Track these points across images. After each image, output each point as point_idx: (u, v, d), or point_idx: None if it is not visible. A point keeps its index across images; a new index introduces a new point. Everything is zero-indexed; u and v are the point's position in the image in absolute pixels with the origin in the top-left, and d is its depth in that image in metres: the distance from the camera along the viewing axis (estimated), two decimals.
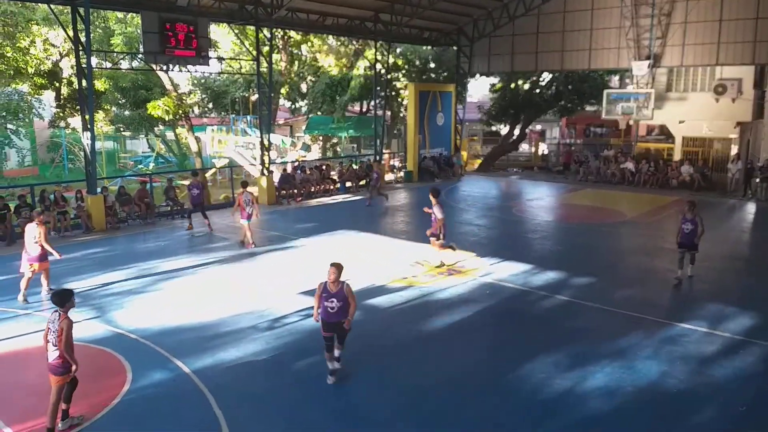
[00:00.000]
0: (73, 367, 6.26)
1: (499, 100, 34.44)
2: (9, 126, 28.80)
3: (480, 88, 46.46)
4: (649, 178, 24.71)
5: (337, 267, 7.31)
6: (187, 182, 29.76)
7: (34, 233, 10.35)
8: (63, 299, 6.31)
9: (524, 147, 39.28)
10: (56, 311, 6.32)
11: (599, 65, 25.44)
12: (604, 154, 27.77)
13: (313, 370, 7.91)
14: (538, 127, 41.65)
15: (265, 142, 21.26)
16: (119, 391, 7.24)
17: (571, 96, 32.40)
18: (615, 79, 35.34)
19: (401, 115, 34.18)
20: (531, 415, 6.89)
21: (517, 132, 35.33)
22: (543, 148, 36.50)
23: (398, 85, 32.44)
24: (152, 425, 6.60)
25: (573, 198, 22.97)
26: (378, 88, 26.62)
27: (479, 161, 34.63)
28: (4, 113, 28.06)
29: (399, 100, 33.52)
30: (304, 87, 35.00)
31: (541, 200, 22.34)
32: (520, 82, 33.90)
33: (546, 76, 33.31)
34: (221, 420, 6.63)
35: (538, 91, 33.37)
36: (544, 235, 16.59)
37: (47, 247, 10.41)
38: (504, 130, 37.94)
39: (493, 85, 36.18)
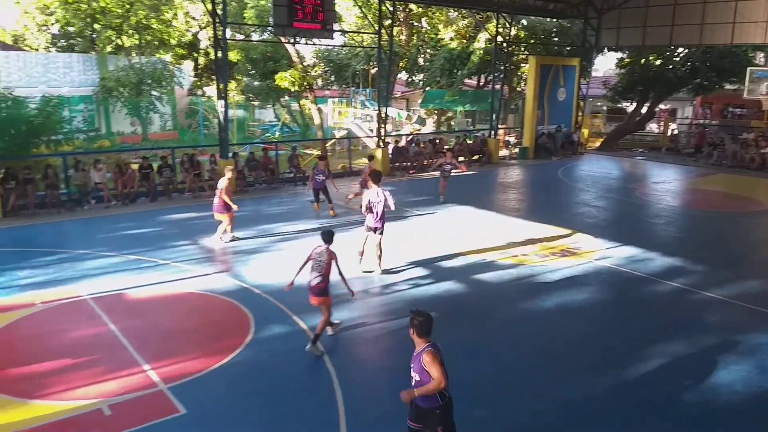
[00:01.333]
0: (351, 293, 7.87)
1: (627, 76, 32.33)
2: (153, 93, 31.36)
3: (606, 63, 43.93)
4: None
5: None
6: (309, 152, 31.11)
7: (220, 185, 11.78)
8: (331, 237, 7.63)
9: (652, 127, 36.69)
10: (321, 246, 7.55)
11: (743, 40, 23.02)
12: (743, 137, 25.26)
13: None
14: (668, 105, 38.64)
15: (382, 115, 21.54)
16: (243, 340, 7.82)
17: (709, 73, 29.65)
18: (760, 56, 31.84)
19: (520, 89, 33.12)
20: (638, 407, 6.59)
21: (644, 110, 33.05)
22: (673, 129, 33.84)
23: (519, 58, 31.38)
24: (271, 374, 7.08)
25: (704, 183, 21.21)
26: (497, 62, 25.93)
27: (601, 140, 32.87)
28: (149, 80, 30.57)
29: (519, 74, 32.47)
30: (421, 60, 34.87)
31: (667, 184, 20.83)
32: (651, 57, 31.56)
33: (681, 51, 30.73)
34: (332, 374, 6.98)
35: (670, 67, 30.87)
36: (669, 220, 15.51)
37: (225, 199, 11.71)
38: (630, 107, 35.64)
39: (621, 59, 34.00)
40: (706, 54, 29.04)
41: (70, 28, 31.87)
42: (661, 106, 35.53)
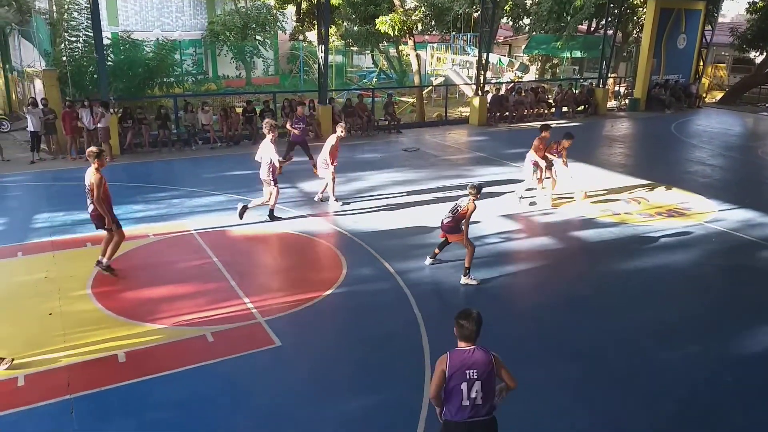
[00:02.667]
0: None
1: (759, 22, 28.99)
2: (257, 37, 32.10)
3: (735, 7, 39.63)
4: None
5: None
6: (405, 99, 30.85)
7: (329, 143, 11.12)
8: (479, 189, 8.05)
9: None
10: (466, 197, 8.04)
11: None
12: None
13: (506, 291, 8.00)
14: None
15: (482, 62, 20.84)
16: (336, 280, 8.09)
17: None
18: None
19: (635, 35, 30.74)
20: (742, 381, 6.19)
21: None
22: None
23: (636, 1, 28.98)
24: (361, 314, 7.32)
25: None
26: (612, 5, 24.10)
27: (722, 93, 30.11)
28: (254, 25, 31.27)
29: (635, 18, 30.06)
30: (528, 3, 33.11)
31: None
32: None
33: None
34: (419, 317, 7.10)
35: None
36: None
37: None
38: (759, 58, 32.16)
39: (753, 3, 30.48)
40: None
41: None
42: None
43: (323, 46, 17.51)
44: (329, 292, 7.77)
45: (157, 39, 21.40)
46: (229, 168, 14.09)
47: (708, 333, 7.07)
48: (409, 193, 12.24)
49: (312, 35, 32.35)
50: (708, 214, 11.24)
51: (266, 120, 11.02)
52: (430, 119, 23.79)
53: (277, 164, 10.15)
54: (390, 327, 7.01)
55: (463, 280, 8.08)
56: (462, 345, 3.95)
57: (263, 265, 8.80)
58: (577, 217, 10.98)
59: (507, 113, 21.30)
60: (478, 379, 3.85)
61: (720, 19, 28.96)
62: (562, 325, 7.16)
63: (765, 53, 30.41)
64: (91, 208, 7.83)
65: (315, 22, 25.19)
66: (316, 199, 11.62)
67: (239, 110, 17.88)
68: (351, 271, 8.40)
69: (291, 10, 35.09)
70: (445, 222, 8.18)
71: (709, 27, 25.49)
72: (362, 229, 10.04)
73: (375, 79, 36.09)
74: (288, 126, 13.85)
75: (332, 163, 11.12)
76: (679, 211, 11.38)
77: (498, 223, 10.51)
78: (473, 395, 3.85)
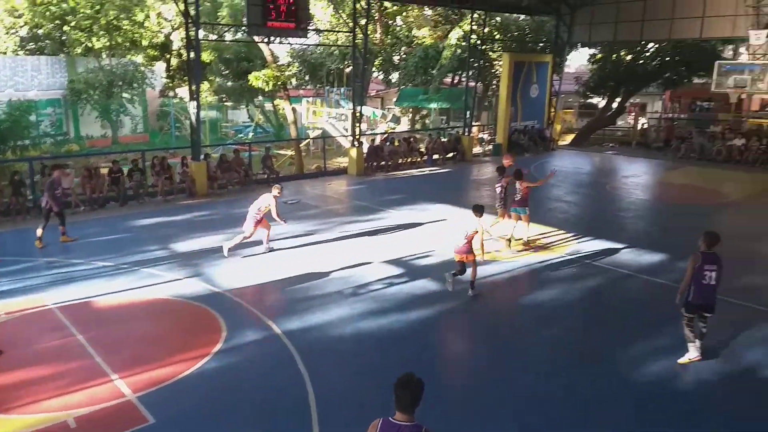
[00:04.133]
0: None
1: (599, 71, 32.64)
2: (124, 95, 30.79)
3: (578, 59, 44.27)
4: (759, 156, 22.68)
5: None
6: (283, 152, 30.77)
7: (265, 203, 11.23)
8: (481, 210, 9.21)
9: (622, 121, 37.15)
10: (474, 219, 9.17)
11: (712, 34, 23.38)
12: (710, 131, 25.70)
13: (394, 336, 8.02)
14: (639, 100, 39.14)
15: (357, 114, 21.44)
16: (214, 347, 7.67)
17: (678, 67, 30.11)
18: (728, 50, 32.43)
19: (493, 86, 33.25)
20: (621, 399, 6.63)
21: (615, 105, 33.44)
22: (642, 123, 34.33)
23: (492, 55, 31.51)
24: (243, 379, 6.96)
25: (673, 176, 21.55)
26: (471, 59, 25.98)
27: (573, 135, 33.18)
28: (120, 82, 30.02)
29: (492, 71, 32.59)
30: (396, 59, 34.82)
31: (637, 178, 21.11)
32: (622, 52, 31.92)
33: (651, 47, 31.13)
34: (306, 378, 6.88)
35: (641, 62, 31.28)
36: (638, 214, 15.72)
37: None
38: (601, 103, 36.05)
39: (593, 55, 34.32)
40: (676, 48, 29.47)
41: (39, 30, 31.13)
42: (632, 100, 35.99)
43: (195, 102, 17.12)
44: (207, 358, 7.34)
45: (10, 99, 19.80)
46: (94, 233, 13.09)
47: (574, 355, 7.51)
48: (291, 246, 12.07)
49: (183, 91, 31.64)
50: (568, 247, 12.15)
51: (275, 185, 11.73)
52: (309, 171, 23.88)
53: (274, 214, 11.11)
54: (274, 389, 6.73)
55: (471, 293, 9.30)
56: (398, 416, 3.63)
57: (133, 336, 8.15)
58: (453, 257, 11.35)
59: (383, 162, 21.94)
60: None
61: (566, 70, 32.16)
62: (430, 365, 7.28)
63: (605, 98, 34.15)
64: None
65: (186, 78, 24.70)
66: (263, 249, 11.56)
67: (105, 171, 16.84)
68: (231, 334, 8.02)
69: (160, 66, 34.23)
70: (460, 246, 9.16)
71: (557, 77, 28.21)
72: (243, 287, 9.70)
73: (252, 134, 35.83)
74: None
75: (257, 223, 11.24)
76: (543, 246, 12.19)
77: (381, 269, 10.62)
78: None
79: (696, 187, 19.75)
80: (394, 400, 3.65)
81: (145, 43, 32.23)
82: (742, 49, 28.70)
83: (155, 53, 33.03)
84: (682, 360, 7.30)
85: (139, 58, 32.74)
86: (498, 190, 12.50)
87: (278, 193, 11.45)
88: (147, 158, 17.55)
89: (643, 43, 29.80)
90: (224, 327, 8.24)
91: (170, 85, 34.03)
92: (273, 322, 8.37)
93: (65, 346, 7.68)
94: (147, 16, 31.33)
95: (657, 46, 30.46)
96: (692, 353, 7.29)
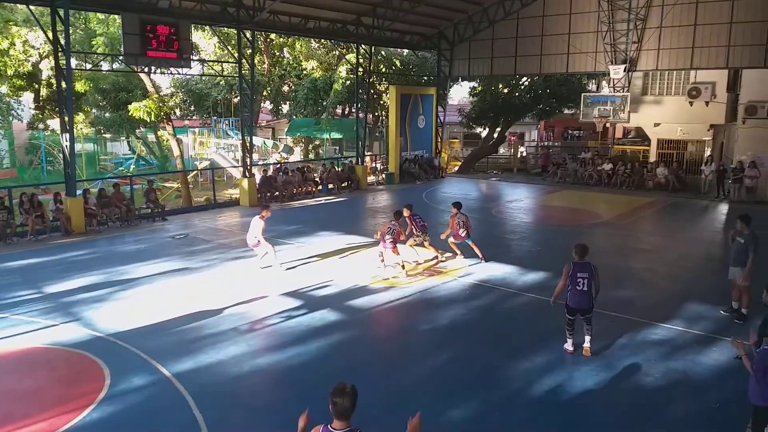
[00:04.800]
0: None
1: (479, 103, 34.58)
2: None
3: (461, 91, 46.73)
4: (625, 179, 24.99)
5: None
6: (169, 185, 29.48)
7: (258, 227, 12.06)
8: (400, 214, 11.86)
9: (504, 149, 39.52)
10: (393, 221, 11.74)
11: (577, 69, 25.67)
12: (582, 157, 28.02)
13: (294, 371, 7.83)
14: (517, 130, 41.95)
15: (247, 144, 21.08)
16: (97, 396, 7.06)
17: (550, 99, 32.68)
18: (592, 83, 35.74)
19: (383, 117, 34.14)
20: (515, 413, 6.88)
21: (496, 135, 35.52)
22: (522, 151, 36.75)
23: (380, 88, 32.42)
24: (130, 426, 6.46)
25: (551, 200, 23.13)
26: (360, 91, 26.55)
27: (459, 163, 34.75)
28: None
29: (381, 102, 33.50)
30: (286, 89, 34.80)
31: (520, 202, 22.45)
32: (499, 85, 34.09)
33: (525, 80, 33.54)
34: (201, 423, 6.51)
35: (517, 94, 33.58)
36: (523, 236, 16.66)
37: (261, 239, 12.11)
38: (484, 132, 38.14)
39: (474, 88, 36.36)
40: (547, 82, 31.98)
41: None
42: (511, 130, 38.44)
43: (68, 135, 15.98)
44: (89, 410, 6.73)
45: None
46: None
47: (471, 376, 7.74)
48: (180, 283, 11.49)
49: (55, 123, 29.47)
50: (461, 270, 12.58)
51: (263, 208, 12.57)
52: (198, 203, 23.03)
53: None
54: None
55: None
56: (335, 424, 3.87)
57: (1, 391, 7.31)
58: (351, 286, 11.38)
59: (277, 193, 21.66)
60: None
61: (450, 102, 33.80)
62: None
63: (487, 128, 36.19)
64: None
65: (57, 109, 23.06)
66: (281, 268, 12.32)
67: None
68: (115, 381, 7.43)
69: (28, 96, 31.73)
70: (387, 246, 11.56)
71: (441, 109, 29.54)
72: (127, 330, 9.05)
73: (133, 166, 34.06)
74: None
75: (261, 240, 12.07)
76: (437, 270, 12.54)
77: (278, 302, 10.38)
78: None
79: (572, 208, 21.30)
80: (330, 409, 3.89)
81: (9, 72, 29.76)
82: (604, 83, 31.64)
83: (22, 83, 30.54)
84: (566, 346, 8.42)
85: (3, 89, 30.16)
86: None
87: (265, 213, 12.27)
88: (15, 195, 16.09)
89: (517, 77, 32.04)
90: (107, 374, 7.61)
91: (40, 116, 31.58)
92: (162, 365, 7.87)
93: None
94: (12, 44, 29.05)
95: (530, 80, 32.88)
96: (569, 344, 8.42)
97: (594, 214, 19.93)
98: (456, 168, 33.58)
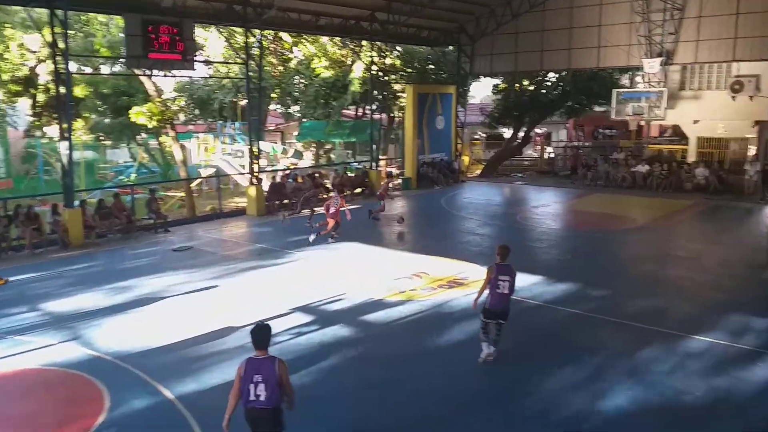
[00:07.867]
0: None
1: (503, 102, 34.55)
2: None
3: (482, 90, 46.65)
4: (661, 181, 24.72)
5: None
6: (172, 194, 29.82)
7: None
8: (329, 190, 14.81)
9: (529, 151, 39.35)
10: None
11: (608, 63, 25.52)
12: (614, 157, 27.80)
13: (305, 389, 7.84)
14: (544, 129, 41.77)
15: (254, 150, 21.25)
16: (95, 420, 7.15)
17: (579, 96, 32.51)
18: (625, 78, 35.51)
19: (399, 119, 34.21)
20: None
21: (521, 135, 35.39)
22: (549, 152, 36.55)
23: (396, 87, 32.51)
24: None
25: (581, 204, 22.97)
26: (374, 92, 26.65)
27: (481, 166, 34.66)
28: None
29: (397, 103, 33.59)
30: (296, 92, 35.06)
31: (546, 207, 22.31)
32: (524, 82, 34.01)
33: (552, 76, 33.43)
34: None
35: (543, 91, 33.47)
36: (550, 243, 16.56)
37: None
38: (507, 133, 38.03)
39: (496, 85, 36.32)
40: (576, 78, 31.83)
41: None
42: (537, 130, 38.30)
43: (66, 142, 16.27)
44: None
45: None
46: None
47: (496, 392, 7.70)
48: (183, 299, 11.59)
49: (53, 130, 29.99)
50: (483, 281, 12.49)
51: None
52: (203, 213, 23.27)
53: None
54: None
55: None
56: (257, 354, 5.59)
57: None
58: (365, 300, 11.39)
59: (286, 200, 21.77)
60: (263, 382, 5.45)
61: (471, 101, 33.83)
62: (353, 410, 7.20)
63: (511, 128, 36.09)
64: None
65: (55, 115, 23.49)
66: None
67: None
68: (115, 404, 7.51)
69: (25, 102, 32.35)
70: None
71: (462, 108, 29.54)
72: (128, 349, 9.15)
73: (134, 175, 34.51)
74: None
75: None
76: (458, 281, 12.51)
77: (288, 318, 10.42)
78: (258, 392, 5.44)
79: (603, 213, 21.14)
80: (252, 343, 5.61)
81: (5, 77, 30.41)
82: (638, 78, 31.41)
83: (18, 88, 31.18)
84: (480, 359, 8.44)
85: None
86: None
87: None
88: (10, 207, 16.40)
89: (543, 72, 31.94)
90: (107, 396, 7.71)
91: (37, 123, 32.16)
92: (164, 387, 7.94)
93: None
94: (7, 48, 29.69)
95: (557, 75, 32.76)
96: (485, 351, 8.44)
97: (628, 218, 19.74)
98: (478, 171, 33.50)
